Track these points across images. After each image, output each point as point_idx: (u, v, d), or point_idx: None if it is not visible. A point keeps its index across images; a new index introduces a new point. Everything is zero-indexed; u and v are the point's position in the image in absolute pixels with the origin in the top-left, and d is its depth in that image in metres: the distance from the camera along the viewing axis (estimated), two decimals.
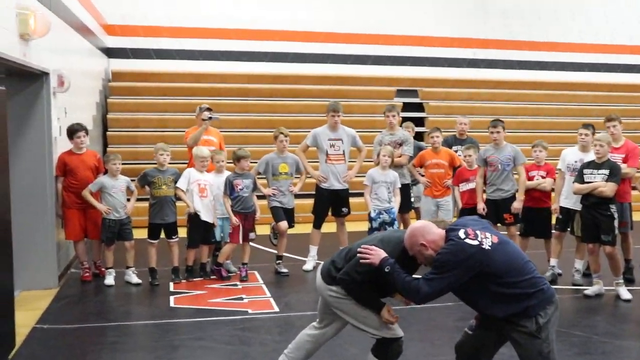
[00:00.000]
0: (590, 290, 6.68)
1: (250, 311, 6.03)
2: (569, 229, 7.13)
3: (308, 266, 7.54)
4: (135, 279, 6.95)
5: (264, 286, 6.91)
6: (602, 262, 6.68)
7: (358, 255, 3.87)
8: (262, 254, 8.18)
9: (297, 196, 7.70)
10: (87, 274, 7.12)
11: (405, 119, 9.09)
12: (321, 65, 14.18)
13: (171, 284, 6.89)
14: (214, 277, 7.12)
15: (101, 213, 6.92)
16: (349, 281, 3.94)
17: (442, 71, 14.83)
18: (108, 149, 11.22)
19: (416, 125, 9.36)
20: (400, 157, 7.81)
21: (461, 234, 3.55)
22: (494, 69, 15.18)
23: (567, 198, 7.05)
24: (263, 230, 8.00)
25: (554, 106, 14.45)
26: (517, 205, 7.28)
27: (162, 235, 7.09)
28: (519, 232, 7.48)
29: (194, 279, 7.06)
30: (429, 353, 5.10)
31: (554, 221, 7.34)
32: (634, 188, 7.44)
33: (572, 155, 7.14)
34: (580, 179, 6.61)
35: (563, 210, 7.12)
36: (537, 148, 7.57)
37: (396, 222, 7.40)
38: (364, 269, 3.84)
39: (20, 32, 5.88)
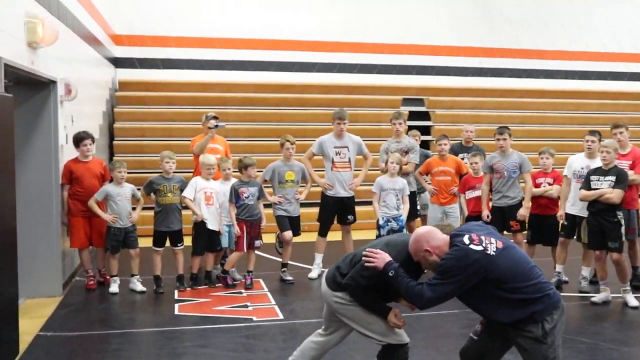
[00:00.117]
0: (597, 298, 6.63)
1: (254, 319, 6.01)
2: (575, 236, 7.09)
3: (313, 274, 7.52)
4: (140, 287, 6.95)
5: (268, 294, 6.89)
6: (609, 269, 6.64)
7: (363, 258, 3.85)
8: (267, 262, 8.17)
9: (302, 205, 7.70)
10: (92, 282, 7.12)
11: (411, 128, 9.08)
12: (327, 75, 14.22)
13: (176, 292, 6.88)
14: (219, 284, 7.11)
15: (106, 221, 6.93)
16: (355, 286, 3.92)
17: (448, 80, 14.83)
18: (114, 158, 11.26)
19: (422, 134, 9.35)
20: (406, 164, 7.79)
21: (465, 239, 3.54)
22: (500, 77, 15.17)
23: (573, 205, 7.01)
24: (269, 238, 7.99)
25: (560, 114, 14.42)
26: (523, 213, 7.25)
27: (168, 243, 7.09)
28: (525, 240, 7.44)
29: (199, 287, 7.05)
30: (434, 359, 5.06)
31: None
32: None
33: (578, 162, 7.11)
34: (587, 185, 6.57)
35: (569, 217, 7.08)
36: (544, 155, 7.54)
37: (405, 230, 7.37)
38: (369, 273, 3.82)
39: (28, 40, 5.92)
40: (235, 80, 13.74)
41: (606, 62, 15.82)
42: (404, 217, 7.31)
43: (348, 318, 4.05)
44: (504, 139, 7.30)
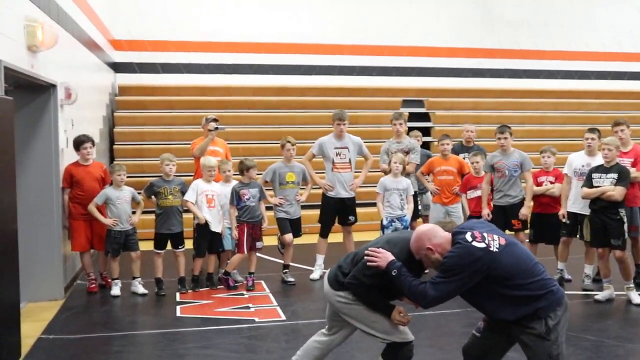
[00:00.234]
0: (600, 295, 6.61)
1: (257, 320, 5.99)
2: (577, 235, 7.07)
3: (315, 275, 7.50)
4: (141, 289, 6.93)
5: (270, 295, 6.87)
6: (612, 267, 6.62)
7: (365, 258, 3.83)
8: (269, 264, 8.14)
9: (303, 207, 7.69)
10: (94, 285, 7.10)
11: (411, 129, 9.07)
12: (327, 77, 14.23)
13: (177, 294, 6.86)
14: (221, 286, 7.09)
15: (107, 225, 6.91)
16: (357, 285, 3.90)
17: (448, 81, 14.83)
18: (114, 162, 11.25)
19: (422, 135, 9.32)
20: (407, 165, 7.78)
21: (468, 237, 3.51)
22: (500, 78, 15.16)
23: (574, 203, 7.00)
24: (270, 240, 7.97)
25: (560, 114, 14.41)
26: (524, 212, 7.23)
27: (169, 246, 7.07)
28: (528, 239, 7.42)
29: (201, 289, 7.03)
30: (439, 358, 5.04)
31: None
32: None
33: (579, 160, 7.10)
34: (588, 183, 6.56)
35: (570, 215, 7.06)
36: (545, 154, 7.54)
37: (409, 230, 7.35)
38: (372, 272, 3.80)
39: (28, 43, 5.92)
40: (235, 83, 13.76)
41: (606, 61, 15.82)
42: (408, 217, 7.29)
43: (351, 317, 4.03)
44: (505, 138, 7.28)
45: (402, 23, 14.62)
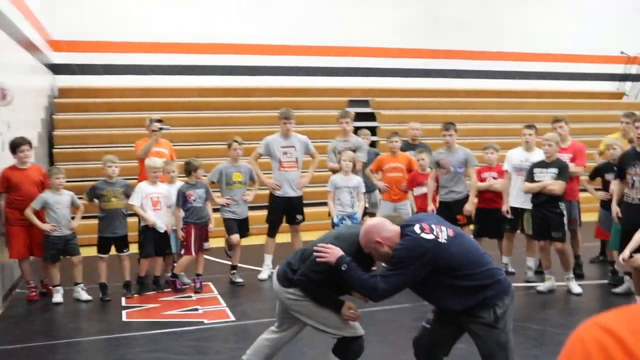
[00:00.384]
0: (542, 286, 6.79)
1: (205, 321, 5.90)
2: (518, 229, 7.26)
3: (263, 275, 7.45)
4: (85, 296, 6.71)
5: (219, 296, 6.77)
6: (553, 259, 6.81)
7: (314, 254, 3.82)
8: (216, 266, 8.03)
9: (250, 207, 7.63)
10: (34, 293, 6.83)
11: (357, 128, 9.11)
12: (272, 78, 14.17)
13: (123, 299, 6.68)
14: (168, 289, 6.95)
15: (45, 230, 6.66)
16: (307, 282, 3.88)
17: (394, 81, 14.98)
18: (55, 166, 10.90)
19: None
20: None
21: (417, 228, 3.53)
22: (445, 78, 15.43)
23: (516, 197, 7.17)
24: (217, 242, 7.88)
25: (502, 113, 14.77)
26: (468, 207, 7.36)
27: (113, 250, 6.89)
28: (472, 235, 7.55)
29: (147, 293, 6.87)
30: (388, 352, 5.07)
31: None
32: (584, 190, 7.64)
33: (517, 156, 7.28)
34: (530, 178, 6.74)
35: (512, 209, 7.23)
36: (488, 150, 7.70)
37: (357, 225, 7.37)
38: (321, 268, 3.78)
39: None
40: (179, 85, 13.54)
41: (545, 62, 16.31)
42: (359, 214, 7.31)
43: (301, 314, 4.01)
44: (450, 135, 7.40)
45: (347, 24, 14.69)
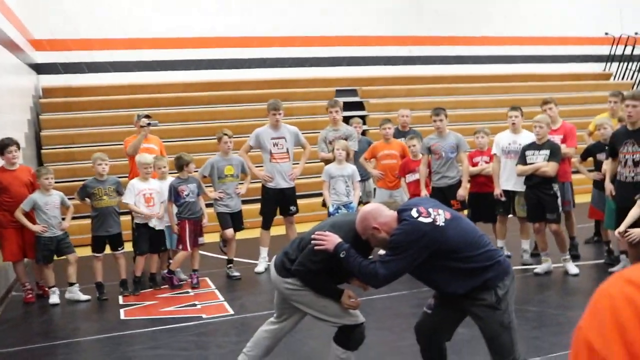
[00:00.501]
0: (539, 269, 6.82)
1: (204, 316, 5.88)
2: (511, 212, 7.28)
3: (260, 268, 7.43)
4: (82, 296, 6.66)
5: (216, 291, 6.75)
6: (548, 241, 6.84)
7: (312, 242, 3.79)
8: (212, 261, 8.00)
9: (243, 201, 7.60)
10: (30, 296, 6.77)
11: (345, 118, 9.06)
12: (259, 70, 14.10)
13: (120, 297, 6.64)
14: (165, 286, 6.91)
15: (36, 231, 6.59)
16: (305, 271, 3.86)
17: (380, 69, 14.96)
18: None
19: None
20: None
21: (414, 213, 3.51)
22: (431, 65, 15.42)
23: (507, 180, 7.18)
24: (211, 237, 7.85)
25: (490, 98, 14.79)
26: (462, 192, 7.35)
27: (108, 249, 6.83)
28: None
29: (144, 290, 6.83)
30: (388, 339, 5.07)
31: None
32: (576, 171, 7.67)
33: (505, 139, 7.28)
34: (522, 160, 6.75)
35: (504, 193, 7.24)
36: (479, 134, 7.70)
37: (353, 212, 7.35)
38: (319, 257, 3.76)
39: None
40: (165, 80, 13.42)
41: (530, 46, 16.35)
42: (355, 203, 7.29)
43: (301, 303, 3.99)
44: (440, 120, 7.38)
45: (331, 14, 14.63)
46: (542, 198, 6.65)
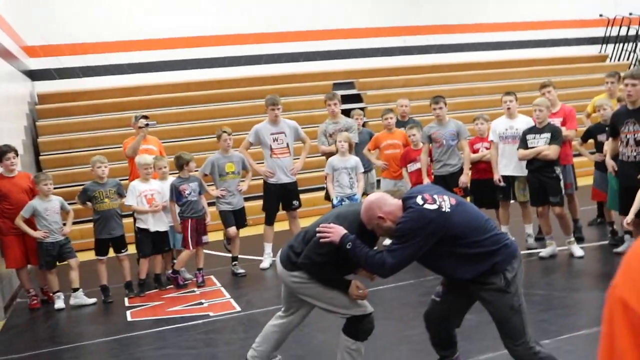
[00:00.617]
0: (544, 252, 6.80)
1: (211, 314, 5.85)
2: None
3: (265, 264, 7.40)
4: (87, 300, 6.62)
5: (222, 289, 6.72)
6: (552, 224, 6.81)
7: (317, 235, 3.77)
8: (217, 259, 7.97)
9: (245, 198, 7.57)
10: (35, 302, 6.74)
11: (344, 111, 9.01)
12: (255, 67, 14.05)
13: (126, 299, 6.61)
14: (170, 286, 6.89)
15: (37, 238, 6.56)
16: (311, 264, 3.84)
17: (376, 61, 14.91)
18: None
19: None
20: None
21: (419, 200, 3.49)
22: (427, 54, 15.38)
23: (505, 166, 7.15)
24: (215, 236, 7.82)
25: (487, 85, 14.73)
26: (464, 180, 7.33)
27: (111, 252, 6.80)
28: None
29: (149, 292, 6.80)
30: (398, 329, 5.05)
31: None
32: (577, 154, 7.64)
33: (501, 125, 7.25)
34: (523, 144, 6.71)
35: (504, 178, 7.20)
36: (478, 121, 7.67)
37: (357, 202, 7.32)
38: (325, 249, 3.74)
39: None
40: (161, 81, 13.37)
41: (526, 31, 16.31)
42: (359, 195, 7.25)
43: (309, 296, 3.97)
44: (440, 108, 7.35)
45: (324, 7, 14.59)
46: (544, 182, 6.62)
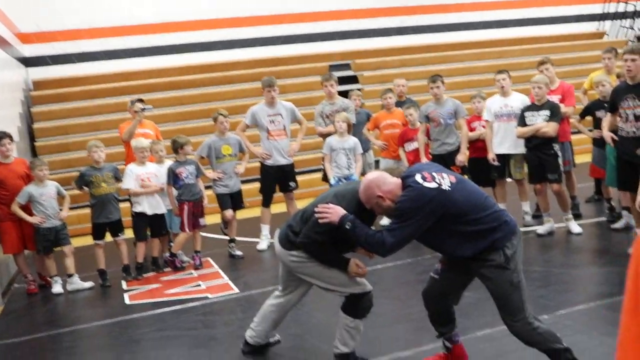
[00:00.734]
0: (542, 229, 6.79)
1: (210, 296, 5.84)
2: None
3: (262, 245, 7.39)
4: (84, 284, 6.60)
5: (220, 271, 6.70)
6: (550, 201, 6.80)
7: (316, 215, 3.74)
8: (214, 242, 7.95)
9: (243, 181, 7.54)
10: (33, 287, 6.72)
11: (340, 93, 8.95)
12: (251, 50, 13.95)
13: (123, 282, 6.60)
14: (168, 269, 6.87)
15: (34, 223, 6.54)
16: (310, 243, 3.83)
17: (373, 42, 14.80)
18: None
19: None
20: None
21: (418, 178, 3.45)
22: (423, 34, 15.27)
23: (500, 144, 7.12)
24: (212, 219, 7.80)
25: (484, 64, 14.62)
26: (461, 158, 7.30)
27: (108, 237, 6.77)
28: None
29: (147, 275, 6.79)
30: (397, 308, 5.05)
31: None
32: (576, 132, 7.61)
33: (495, 103, 7.22)
34: (522, 122, 6.68)
35: (499, 157, 7.17)
36: (475, 99, 7.63)
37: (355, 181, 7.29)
38: (324, 228, 3.72)
39: None
40: (157, 66, 13.27)
41: (522, 9, 16.18)
42: (357, 176, 7.22)
43: (307, 275, 3.96)
44: (437, 87, 7.30)
45: None
46: (543, 159, 6.60)
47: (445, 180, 3.48)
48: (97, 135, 10.64)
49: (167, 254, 6.96)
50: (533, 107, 6.65)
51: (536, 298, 4.80)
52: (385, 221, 6.54)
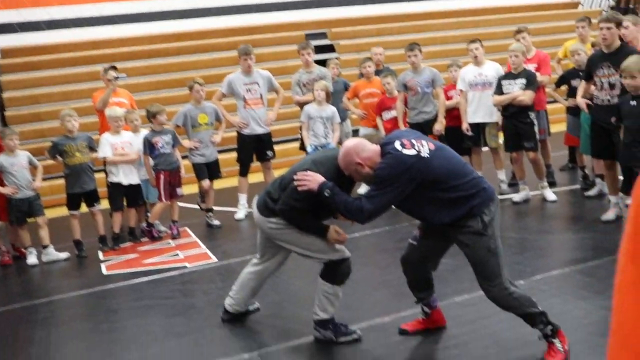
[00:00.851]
0: (517, 197, 6.87)
1: (188, 265, 5.83)
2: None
3: (240, 215, 7.36)
4: (60, 255, 6.53)
5: (198, 240, 6.67)
6: (525, 169, 6.87)
7: (294, 182, 3.73)
8: (191, 211, 7.88)
9: (219, 151, 7.47)
10: (7, 258, 6.63)
11: (317, 62, 8.87)
12: (225, 18, 13.72)
13: (100, 253, 6.54)
14: (145, 239, 6.83)
15: (6, 193, 6.42)
16: (289, 210, 3.83)
17: (349, 10, 14.67)
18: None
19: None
20: None
21: (397, 145, 3.46)
22: (401, 2, 15.17)
23: (474, 113, 7.15)
24: (189, 189, 7.74)
25: (461, 33, 14.56)
26: (438, 127, 7.31)
27: (83, 207, 6.68)
28: None
29: (124, 245, 6.73)
30: (375, 275, 5.10)
31: None
32: (552, 101, 7.66)
33: (470, 72, 7.22)
34: (499, 90, 6.71)
35: (473, 126, 7.21)
36: (452, 68, 7.63)
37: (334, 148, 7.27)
38: (302, 195, 3.72)
39: None
40: (129, 34, 13.00)
41: None
42: (334, 145, 7.19)
43: (286, 242, 3.97)
44: (415, 56, 7.27)
45: None
46: (519, 127, 6.65)
47: (424, 147, 3.49)
48: (69, 105, 10.44)
49: (144, 224, 6.91)
50: (510, 76, 6.67)
51: (512, 264, 4.86)
52: (363, 189, 6.55)
